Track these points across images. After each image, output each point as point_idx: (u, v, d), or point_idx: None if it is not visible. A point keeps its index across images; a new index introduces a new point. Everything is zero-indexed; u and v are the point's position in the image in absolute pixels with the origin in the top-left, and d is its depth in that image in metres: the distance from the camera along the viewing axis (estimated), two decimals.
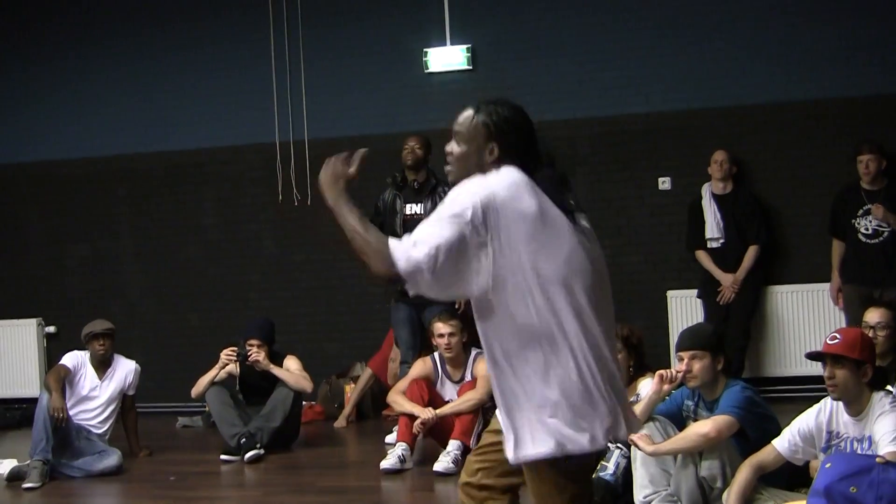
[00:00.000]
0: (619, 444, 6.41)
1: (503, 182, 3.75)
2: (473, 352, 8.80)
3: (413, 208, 9.58)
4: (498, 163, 3.90)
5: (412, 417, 8.43)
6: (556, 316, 3.69)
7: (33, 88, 12.83)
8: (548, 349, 3.70)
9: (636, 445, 6.13)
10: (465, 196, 3.72)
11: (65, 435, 8.84)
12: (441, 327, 8.69)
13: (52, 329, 12.75)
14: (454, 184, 3.90)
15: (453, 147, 4.05)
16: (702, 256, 10.48)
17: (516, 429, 3.81)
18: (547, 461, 3.75)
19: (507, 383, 3.80)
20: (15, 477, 8.69)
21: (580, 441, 3.72)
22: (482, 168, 3.91)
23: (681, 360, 6.23)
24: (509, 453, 3.86)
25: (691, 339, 6.33)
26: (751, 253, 10.36)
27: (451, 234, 3.65)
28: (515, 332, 3.73)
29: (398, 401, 8.65)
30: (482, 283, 3.70)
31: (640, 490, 6.21)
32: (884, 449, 5.32)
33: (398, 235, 9.83)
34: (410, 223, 9.50)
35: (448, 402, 8.61)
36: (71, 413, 8.96)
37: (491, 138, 3.95)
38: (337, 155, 4.22)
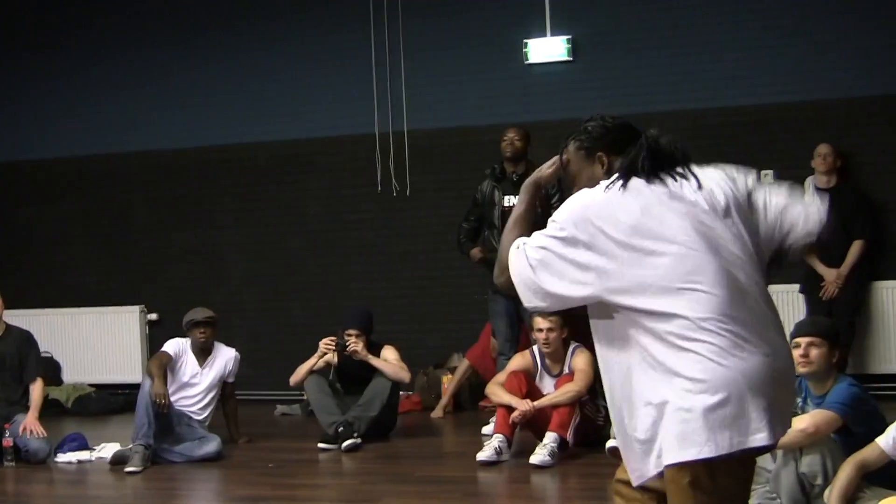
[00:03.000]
0: None
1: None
2: (572, 346, 8.77)
3: (512, 200, 9.53)
4: (609, 171, 3.87)
5: (510, 409, 8.40)
6: None
7: (141, 77, 13.00)
8: None
9: None
10: None
11: (166, 421, 8.95)
12: (540, 322, 8.66)
13: (154, 316, 12.93)
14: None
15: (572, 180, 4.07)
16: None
17: None
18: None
19: None
20: (118, 461, 8.81)
21: None
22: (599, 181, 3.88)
23: (797, 346, 6.13)
24: None
25: (811, 326, 6.27)
26: (855, 248, 10.19)
27: None
28: None
29: (497, 392, 8.62)
30: None
31: None
32: None
33: (496, 227, 9.87)
34: (509, 215, 9.47)
35: (546, 395, 8.58)
36: (172, 399, 9.06)
37: (592, 154, 3.94)
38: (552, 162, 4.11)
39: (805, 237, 3.83)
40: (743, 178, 3.86)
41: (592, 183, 3.84)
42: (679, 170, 3.77)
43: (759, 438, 3.49)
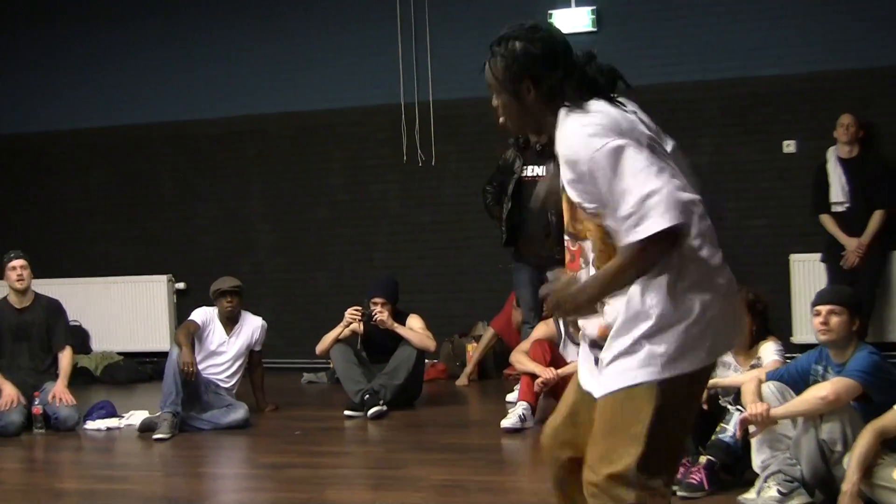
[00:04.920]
0: (738, 407, 6.39)
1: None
2: None
3: (535, 170, 9.53)
4: (540, 98, 3.70)
5: (534, 377, 8.47)
6: None
7: (169, 47, 13.06)
8: None
9: (751, 422, 6.07)
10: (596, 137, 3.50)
11: (194, 389, 9.04)
12: None
13: (181, 286, 13.03)
14: (516, 136, 3.76)
15: (495, 101, 3.83)
16: (826, 220, 10.33)
17: None
18: None
19: None
20: (146, 428, 8.90)
21: None
22: (529, 110, 3.74)
23: (818, 314, 6.16)
24: None
25: (831, 294, 6.28)
26: (876, 217, 10.18)
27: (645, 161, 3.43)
28: None
29: (521, 360, 8.69)
30: None
31: (759, 453, 6.18)
32: None
33: (507, 195, 9.63)
34: (528, 184, 9.48)
35: (570, 363, 8.64)
36: (200, 367, 9.14)
37: (519, 78, 3.72)
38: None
39: None
40: None
41: (516, 110, 3.77)
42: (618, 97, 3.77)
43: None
